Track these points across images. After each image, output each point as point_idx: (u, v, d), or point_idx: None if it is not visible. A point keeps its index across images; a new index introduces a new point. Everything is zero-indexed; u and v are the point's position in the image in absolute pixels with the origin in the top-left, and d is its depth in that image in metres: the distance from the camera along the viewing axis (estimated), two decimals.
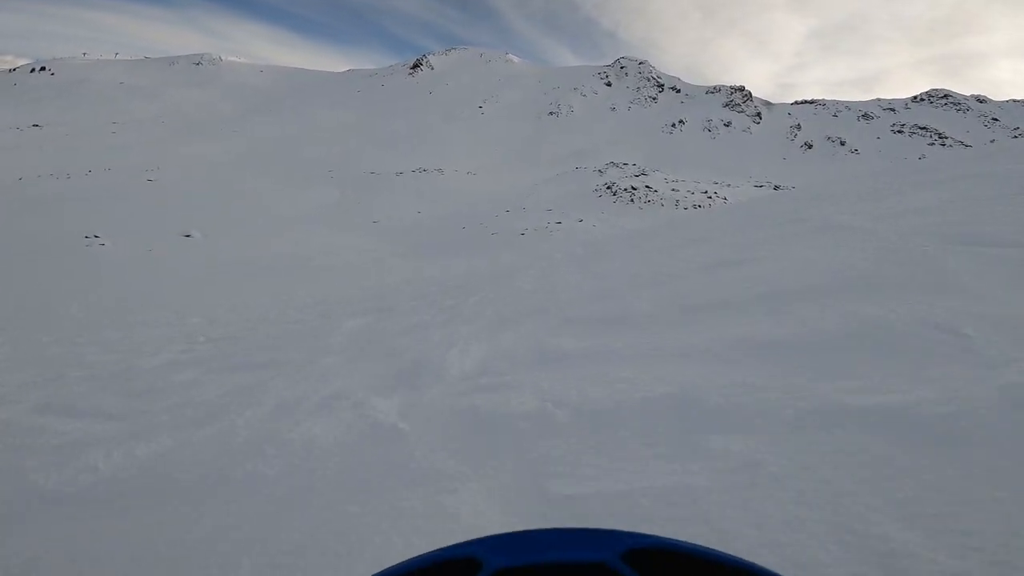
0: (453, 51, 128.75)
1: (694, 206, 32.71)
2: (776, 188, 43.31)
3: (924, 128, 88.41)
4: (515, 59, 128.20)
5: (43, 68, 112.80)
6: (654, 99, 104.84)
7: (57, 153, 59.74)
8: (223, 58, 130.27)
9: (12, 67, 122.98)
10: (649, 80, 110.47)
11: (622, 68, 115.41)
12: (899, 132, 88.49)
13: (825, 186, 7.82)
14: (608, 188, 35.97)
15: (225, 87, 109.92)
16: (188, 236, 28.63)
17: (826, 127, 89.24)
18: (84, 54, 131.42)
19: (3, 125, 74.83)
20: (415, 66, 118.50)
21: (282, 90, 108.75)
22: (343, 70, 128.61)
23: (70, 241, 24.94)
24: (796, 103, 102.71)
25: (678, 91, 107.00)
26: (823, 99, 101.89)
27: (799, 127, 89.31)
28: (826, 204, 5.20)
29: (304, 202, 37.59)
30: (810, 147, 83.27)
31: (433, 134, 78.51)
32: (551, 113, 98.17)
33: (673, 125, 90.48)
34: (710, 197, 34.82)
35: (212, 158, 57.62)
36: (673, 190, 35.95)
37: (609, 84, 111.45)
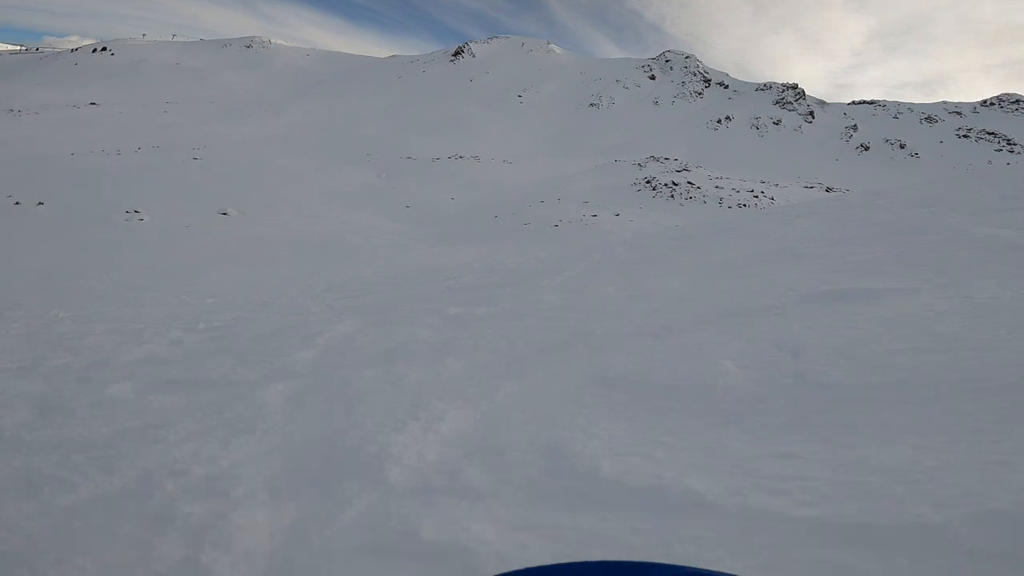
0: (495, 39, 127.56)
1: (739, 205, 31.06)
2: (828, 190, 40.92)
3: (992, 134, 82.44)
4: (557, 49, 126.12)
5: (104, 48, 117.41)
6: (699, 94, 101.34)
7: (110, 130, 61.99)
8: (272, 41, 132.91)
9: (75, 47, 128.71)
10: (695, 75, 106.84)
11: (667, 62, 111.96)
12: (964, 137, 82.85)
13: (912, 189, 6.67)
14: (647, 182, 34.58)
15: (273, 70, 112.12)
16: (225, 214, 28.97)
17: (885, 129, 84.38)
18: (143, 35, 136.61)
19: (61, 103, 78.27)
20: (456, 53, 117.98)
21: (327, 74, 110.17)
22: (386, 56, 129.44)
23: (111, 215, 25.49)
24: (853, 103, 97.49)
25: (725, 87, 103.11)
26: (883, 100, 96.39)
27: (855, 128, 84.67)
28: (942, 211, 4.13)
29: (340, 184, 37.68)
30: (866, 149, 78.83)
31: (471, 121, 77.94)
32: (592, 104, 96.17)
33: (719, 121, 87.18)
34: (756, 196, 33.04)
35: (256, 138, 58.69)
36: (717, 187, 34.29)
37: (653, 77, 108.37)
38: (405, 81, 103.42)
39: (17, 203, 27.17)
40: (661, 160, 44.75)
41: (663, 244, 6.89)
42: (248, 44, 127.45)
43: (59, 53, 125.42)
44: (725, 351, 2.27)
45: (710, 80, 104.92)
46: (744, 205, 30.94)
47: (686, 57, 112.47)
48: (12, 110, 72.44)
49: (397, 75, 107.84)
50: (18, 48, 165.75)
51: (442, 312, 4.01)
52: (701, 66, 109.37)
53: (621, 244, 8.13)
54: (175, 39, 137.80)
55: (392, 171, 42.63)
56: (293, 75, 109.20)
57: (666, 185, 33.77)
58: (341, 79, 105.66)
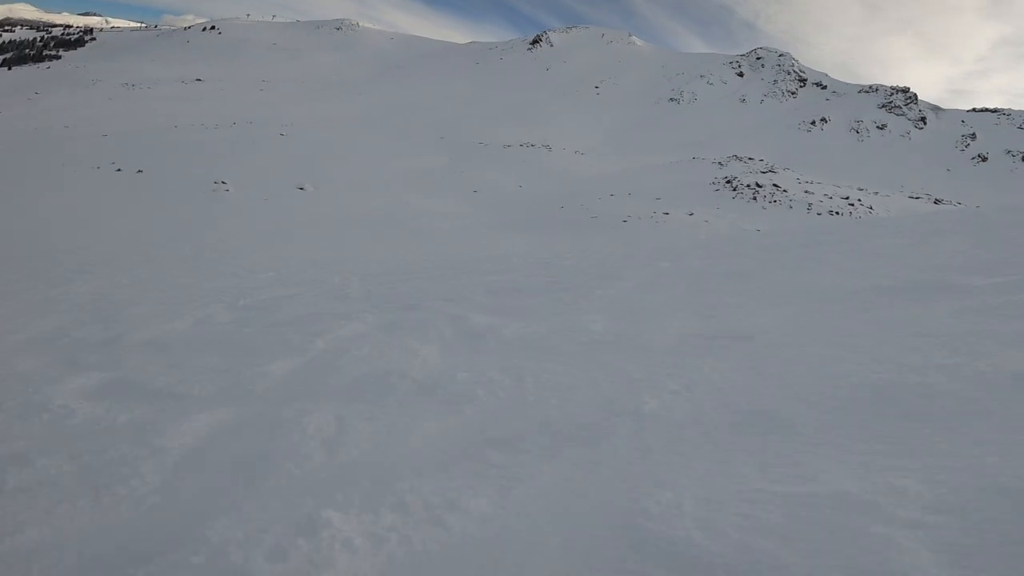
0: (574, 29, 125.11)
1: (830, 212, 28.41)
2: (937, 202, 36.67)
3: None
4: (638, 41, 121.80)
5: (212, 27, 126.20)
6: (793, 94, 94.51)
7: (211, 105, 66.45)
8: (361, 24, 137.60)
9: (188, 26, 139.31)
10: (789, 73, 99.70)
11: (758, 59, 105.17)
12: None
13: None
14: (728, 182, 32.38)
15: (359, 52, 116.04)
16: (301, 189, 30.10)
17: (1008, 139, 74.92)
18: (248, 15, 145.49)
19: (171, 78, 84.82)
20: (534, 42, 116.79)
21: (408, 57, 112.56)
22: (465, 42, 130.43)
23: (201, 185, 27.08)
24: (973, 110, 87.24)
25: (823, 87, 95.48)
26: (1008, 108, 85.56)
27: (973, 136, 75.73)
28: None
29: (413, 165, 38.19)
30: (984, 160, 70.35)
31: (545, 110, 76.85)
32: (671, 99, 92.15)
33: (812, 123, 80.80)
34: (851, 204, 30.08)
35: (339, 118, 60.86)
36: (806, 192, 31.55)
37: (741, 74, 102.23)
38: (482, 68, 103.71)
39: (119, 169, 29.53)
40: (744, 160, 41.89)
41: (747, 254, 5.94)
42: (338, 26, 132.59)
43: (174, 31, 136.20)
44: (902, 509, 1.15)
45: (806, 79, 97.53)
46: (836, 212, 28.25)
47: (780, 55, 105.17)
48: (127, 84, 79.44)
49: (475, 61, 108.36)
50: (139, 25, 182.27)
51: (464, 322, 3.38)
52: (797, 65, 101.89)
53: (695, 249, 7.22)
54: (275, 19, 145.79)
55: (464, 156, 42.73)
56: (377, 58, 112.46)
57: (748, 186, 31.47)
58: (421, 63, 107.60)
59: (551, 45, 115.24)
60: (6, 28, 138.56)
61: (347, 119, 60.19)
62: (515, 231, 20.25)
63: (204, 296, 6.18)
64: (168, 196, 23.80)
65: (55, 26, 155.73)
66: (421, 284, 5.61)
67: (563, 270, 6.11)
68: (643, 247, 10.07)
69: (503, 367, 2.41)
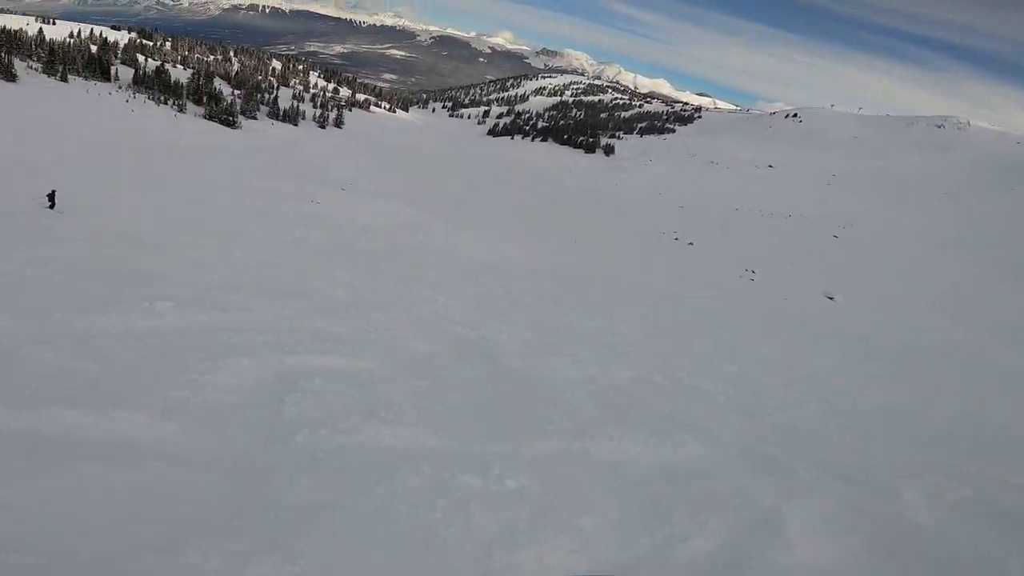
0: None
1: None
2: None
3: None
4: None
5: (795, 115, 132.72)
6: None
7: (774, 193, 69.91)
8: (971, 123, 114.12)
9: (773, 111, 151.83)
10: None
11: None
12: None
13: None
14: None
15: (961, 154, 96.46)
16: (831, 298, 28.11)
17: None
18: (831, 105, 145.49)
19: (747, 160, 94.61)
20: None
21: None
22: None
23: (736, 268, 29.13)
24: None
25: None
26: None
27: None
28: None
29: (985, 310, 29.02)
30: None
31: None
32: None
33: None
34: None
35: (906, 225, 52.71)
36: None
37: None
38: None
39: (676, 239, 35.42)
40: None
41: None
42: (940, 124, 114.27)
43: (760, 115, 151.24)
44: None
45: None
46: None
47: None
48: (712, 161, 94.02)
49: None
50: (735, 108, 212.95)
51: None
52: None
53: None
54: (860, 112, 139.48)
55: None
56: (986, 162, 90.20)
57: None
58: None
59: None
60: (648, 100, 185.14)
61: (918, 228, 51.35)
62: None
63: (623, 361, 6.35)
64: (703, 270, 26.79)
65: (678, 103, 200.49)
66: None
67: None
68: None
69: None
